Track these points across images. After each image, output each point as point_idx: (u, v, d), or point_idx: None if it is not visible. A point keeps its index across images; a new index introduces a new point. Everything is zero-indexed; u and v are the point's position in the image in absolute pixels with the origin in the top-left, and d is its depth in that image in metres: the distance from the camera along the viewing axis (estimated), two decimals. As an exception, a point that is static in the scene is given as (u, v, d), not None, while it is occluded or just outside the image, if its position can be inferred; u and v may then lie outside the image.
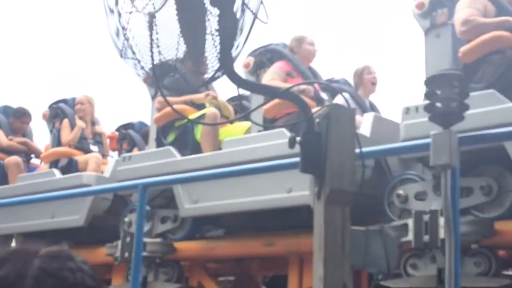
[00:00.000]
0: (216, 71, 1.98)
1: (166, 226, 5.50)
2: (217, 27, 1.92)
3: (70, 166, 6.47)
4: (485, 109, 3.87)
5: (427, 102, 2.94)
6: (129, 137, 7.42)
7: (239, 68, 5.68)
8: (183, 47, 1.93)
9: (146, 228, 5.53)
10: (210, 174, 4.61)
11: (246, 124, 5.85)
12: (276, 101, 4.97)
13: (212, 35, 1.94)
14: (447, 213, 2.74)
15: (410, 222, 3.86)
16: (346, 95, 5.68)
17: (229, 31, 1.94)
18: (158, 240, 5.40)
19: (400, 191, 4.20)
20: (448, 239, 2.63)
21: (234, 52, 1.96)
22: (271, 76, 5.33)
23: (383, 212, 4.32)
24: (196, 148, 5.60)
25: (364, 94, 5.80)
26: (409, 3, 4.72)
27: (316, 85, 5.39)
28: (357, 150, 2.20)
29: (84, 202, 5.87)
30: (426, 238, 3.75)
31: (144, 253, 5.30)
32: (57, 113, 6.92)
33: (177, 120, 5.71)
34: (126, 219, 5.72)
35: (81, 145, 6.73)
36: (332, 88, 5.60)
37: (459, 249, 2.60)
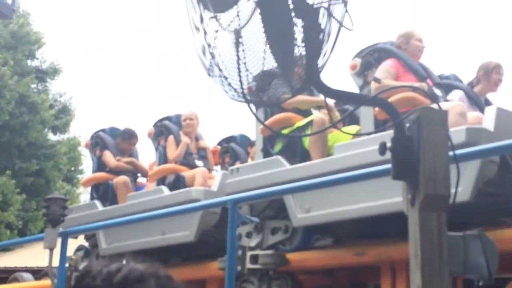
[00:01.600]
0: (304, 81, 2.03)
1: (277, 237, 5.60)
2: (303, 38, 1.97)
3: (178, 182, 6.70)
4: None
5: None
6: (231, 150, 7.53)
7: (346, 70, 5.71)
8: (269, 61, 2.01)
9: (257, 240, 5.67)
10: (315, 183, 4.70)
11: (354, 128, 5.87)
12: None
13: (298, 46, 1.98)
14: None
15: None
16: (460, 92, 5.59)
17: (314, 41, 1.99)
18: (270, 252, 5.50)
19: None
20: None
21: (320, 62, 2.01)
22: (382, 75, 5.31)
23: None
24: (305, 156, 5.66)
25: (481, 91, 5.68)
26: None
27: (429, 82, 5.33)
28: (451, 153, 2.21)
29: (193, 217, 6.07)
30: None
31: (257, 266, 5.45)
32: (161, 131, 7.20)
33: (284, 129, 5.80)
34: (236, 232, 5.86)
35: (187, 161, 6.96)
36: (444, 84, 5.52)
37: None
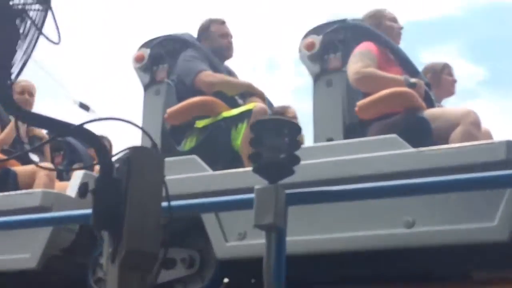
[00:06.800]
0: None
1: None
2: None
3: (5, 180, 4.96)
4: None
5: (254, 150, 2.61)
6: (67, 146, 5.63)
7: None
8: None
9: None
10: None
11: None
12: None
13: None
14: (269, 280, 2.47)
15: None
16: None
17: (7, 44, 1.87)
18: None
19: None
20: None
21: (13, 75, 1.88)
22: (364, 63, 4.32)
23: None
24: (233, 159, 4.50)
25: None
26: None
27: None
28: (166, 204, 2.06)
29: (37, 234, 4.18)
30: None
31: None
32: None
33: (200, 119, 4.57)
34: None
35: (16, 151, 5.11)
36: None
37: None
